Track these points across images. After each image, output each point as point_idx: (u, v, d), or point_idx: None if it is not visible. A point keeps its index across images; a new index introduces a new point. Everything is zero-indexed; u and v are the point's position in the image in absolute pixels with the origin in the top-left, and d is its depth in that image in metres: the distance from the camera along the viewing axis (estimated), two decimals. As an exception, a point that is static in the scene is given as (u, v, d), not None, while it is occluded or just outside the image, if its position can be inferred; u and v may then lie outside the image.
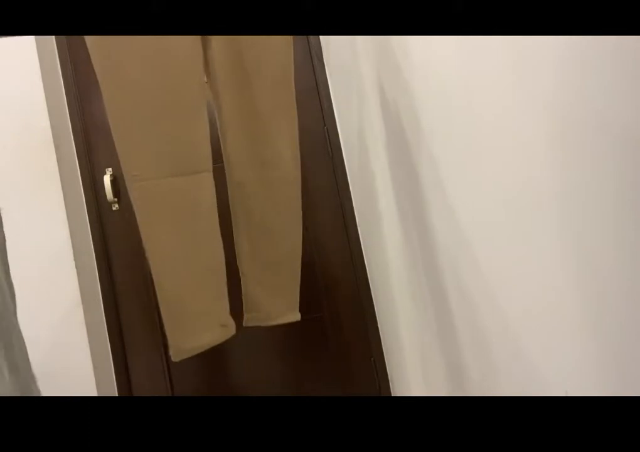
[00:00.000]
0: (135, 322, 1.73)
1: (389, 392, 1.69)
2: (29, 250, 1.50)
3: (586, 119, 0.51)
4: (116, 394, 1.67)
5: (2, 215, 0.67)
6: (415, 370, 1.45)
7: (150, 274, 1.01)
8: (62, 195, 1.58)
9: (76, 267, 1.58)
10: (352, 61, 1.42)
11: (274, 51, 1.09)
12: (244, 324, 1.15)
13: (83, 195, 1.72)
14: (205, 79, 1.06)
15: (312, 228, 1.73)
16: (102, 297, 1.71)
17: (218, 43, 1.05)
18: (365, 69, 1.32)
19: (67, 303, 1.56)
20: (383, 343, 1.70)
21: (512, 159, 0.68)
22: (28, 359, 0.63)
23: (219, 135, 1.10)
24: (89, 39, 0.95)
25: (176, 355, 1.03)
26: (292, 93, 1.11)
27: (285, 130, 1.12)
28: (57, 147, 1.60)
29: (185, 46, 0.99)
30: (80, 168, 1.72)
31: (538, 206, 0.64)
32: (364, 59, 1.31)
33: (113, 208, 1.72)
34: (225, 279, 1.08)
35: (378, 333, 1.71)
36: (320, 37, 1.73)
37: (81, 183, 1.72)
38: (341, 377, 1.73)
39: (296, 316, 1.18)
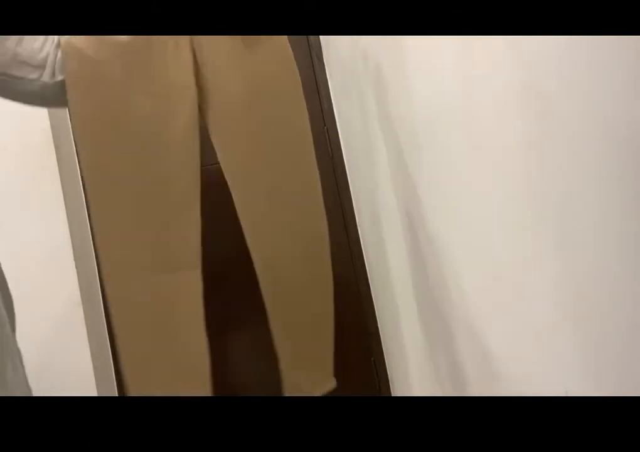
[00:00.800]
0: (135, 322, 1.73)
1: (389, 392, 1.69)
2: (29, 250, 1.49)
3: (587, 119, 0.51)
4: (116, 394, 1.67)
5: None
6: (415, 370, 1.45)
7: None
8: (62, 195, 1.58)
9: (76, 267, 1.58)
10: (352, 61, 1.42)
11: (290, 124, 1.04)
12: None
13: (83, 195, 1.71)
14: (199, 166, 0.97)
15: (312, 228, 1.73)
16: (102, 297, 1.71)
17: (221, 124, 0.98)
18: (365, 69, 1.32)
19: (67, 303, 1.55)
20: (383, 343, 1.70)
21: (512, 158, 0.68)
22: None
23: (239, 214, 1.00)
24: (81, 149, 0.92)
25: None
26: (313, 158, 1.06)
27: (308, 197, 1.05)
28: (57, 147, 1.60)
29: (179, 133, 0.94)
30: (79, 168, 1.72)
31: (537, 206, 0.63)
32: (364, 59, 1.31)
33: (113, 208, 1.72)
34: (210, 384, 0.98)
35: (378, 333, 1.71)
36: (320, 37, 1.72)
37: (81, 183, 1.71)
38: (341, 377, 1.73)
39: (332, 383, 1.13)
